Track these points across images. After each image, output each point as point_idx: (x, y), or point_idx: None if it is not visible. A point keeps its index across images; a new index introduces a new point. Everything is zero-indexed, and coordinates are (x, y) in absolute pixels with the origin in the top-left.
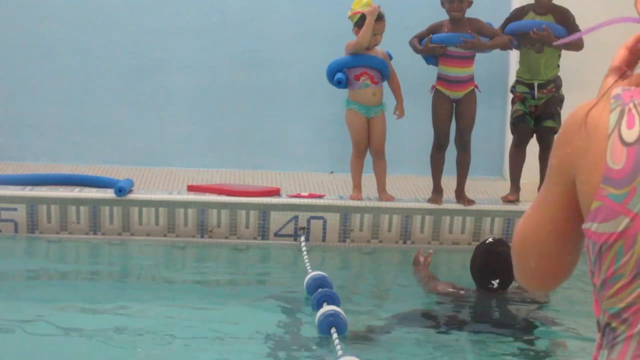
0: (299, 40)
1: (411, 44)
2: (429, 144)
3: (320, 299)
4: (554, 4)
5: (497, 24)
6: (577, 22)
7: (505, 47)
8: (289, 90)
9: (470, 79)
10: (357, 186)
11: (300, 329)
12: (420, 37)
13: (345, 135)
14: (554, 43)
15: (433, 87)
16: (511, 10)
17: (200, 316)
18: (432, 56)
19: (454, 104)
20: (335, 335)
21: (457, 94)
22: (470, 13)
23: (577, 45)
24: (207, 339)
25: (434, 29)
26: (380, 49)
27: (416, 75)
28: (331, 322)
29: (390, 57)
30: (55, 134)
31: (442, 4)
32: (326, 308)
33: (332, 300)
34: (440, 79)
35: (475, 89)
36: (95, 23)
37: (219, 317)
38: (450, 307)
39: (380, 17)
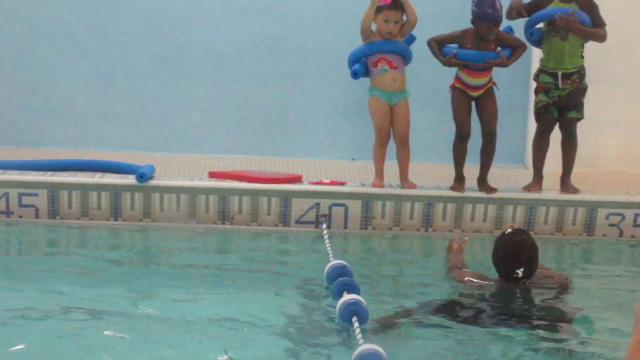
0: (321, 27)
1: (431, 47)
2: (451, 132)
3: (340, 288)
4: None
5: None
6: (601, 12)
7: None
8: (311, 77)
9: (489, 81)
10: (380, 174)
11: (321, 317)
12: (439, 42)
13: (367, 123)
14: (579, 28)
15: (451, 86)
16: None
17: (221, 303)
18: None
19: (474, 101)
20: (356, 324)
21: (476, 93)
22: None
23: (601, 36)
24: (228, 326)
25: (456, 39)
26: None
27: (437, 68)
28: (353, 311)
29: (413, 38)
30: (76, 120)
31: (474, 22)
32: (348, 296)
33: (352, 289)
34: (459, 79)
35: (494, 87)
36: (117, 9)
37: (239, 305)
38: (474, 297)
39: (395, 6)
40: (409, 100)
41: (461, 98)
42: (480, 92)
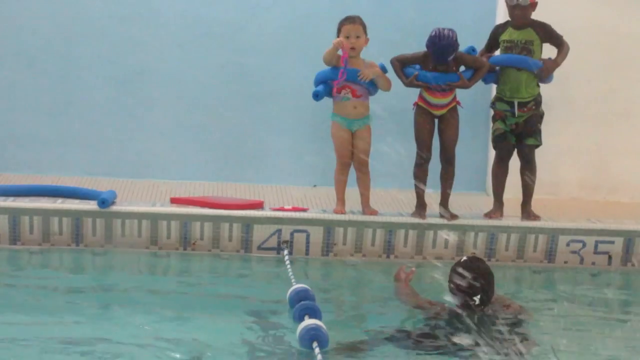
0: (282, 53)
1: (393, 67)
2: (413, 157)
3: (302, 312)
4: (532, 19)
5: (482, 37)
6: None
7: (487, 72)
8: (273, 103)
9: (452, 100)
10: (341, 200)
11: (282, 343)
12: (402, 61)
13: (328, 149)
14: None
15: (415, 104)
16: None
17: (183, 328)
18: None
19: (437, 119)
20: (317, 350)
21: (440, 112)
22: (453, 25)
23: (566, 52)
24: (189, 351)
25: (418, 60)
26: (371, 62)
27: (399, 90)
28: (313, 336)
29: (385, 70)
30: (37, 145)
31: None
32: (308, 322)
33: (314, 312)
34: (423, 98)
35: (457, 105)
36: (78, 34)
37: (201, 330)
38: (431, 324)
39: (352, 20)
40: (372, 126)
41: (424, 117)
42: (444, 110)
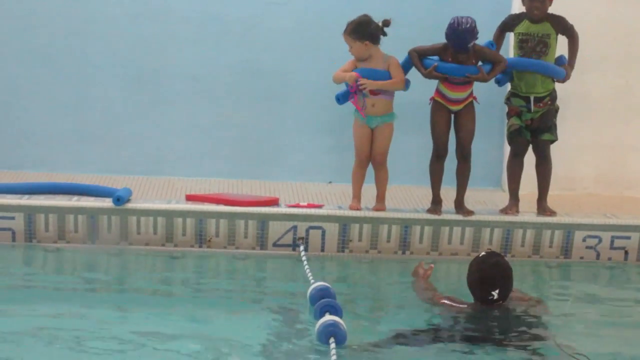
0: (297, 50)
1: (412, 58)
2: (429, 154)
3: (323, 309)
4: (549, 13)
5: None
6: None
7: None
8: (288, 100)
9: (469, 95)
10: (357, 196)
11: (299, 339)
12: (421, 53)
13: (344, 145)
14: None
15: (432, 98)
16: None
17: (199, 326)
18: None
19: (453, 115)
20: (333, 345)
21: (456, 107)
22: (470, 13)
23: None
24: (206, 349)
25: (437, 51)
26: (390, 57)
27: (416, 86)
28: (330, 332)
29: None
30: (53, 143)
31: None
32: (326, 318)
33: (335, 310)
34: (440, 93)
35: (474, 101)
36: (93, 31)
37: (217, 327)
38: (451, 320)
39: (345, 30)
40: (395, 124)
41: (440, 112)
42: (461, 106)
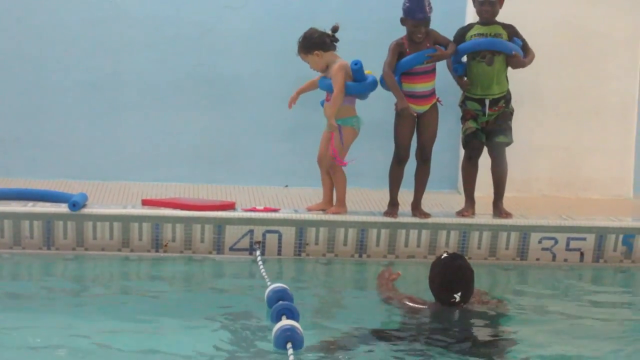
0: (253, 54)
1: (389, 81)
2: (385, 157)
3: (280, 312)
4: (498, 21)
5: (452, 36)
6: (530, 36)
7: (458, 63)
8: (244, 104)
9: (433, 93)
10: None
11: (256, 344)
12: (392, 65)
13: (300, 150)
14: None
15: (396, 104)
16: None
17: (155, 331)
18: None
19: (417, 119)
20: (290, 351)
21: (423, 107)
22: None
23: (523, 63)
24: (162, 353)
25: (397, 53)
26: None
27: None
28: (287, 337)
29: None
30: (8, 148)
31: (402, 20)
32: (283, 323)
33: (291, 313)
34: (407, 95)
35: (438, 102)
36: (48, 37)
37: (174, 332)
38: (412, 322)
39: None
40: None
41: (405, 119)
42: (427, 106)
